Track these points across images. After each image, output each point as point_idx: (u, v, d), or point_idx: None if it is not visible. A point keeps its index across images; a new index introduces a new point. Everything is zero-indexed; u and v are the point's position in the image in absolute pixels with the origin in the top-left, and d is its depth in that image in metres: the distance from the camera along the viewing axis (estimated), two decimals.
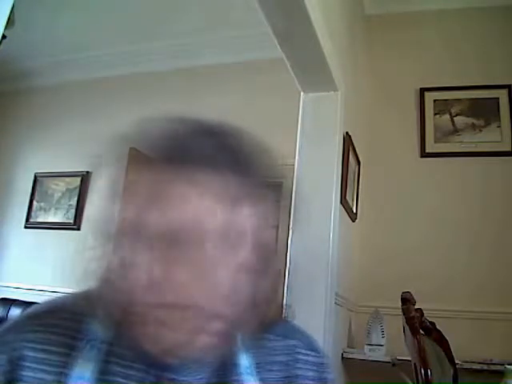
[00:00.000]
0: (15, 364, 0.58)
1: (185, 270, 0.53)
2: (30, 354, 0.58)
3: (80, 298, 0.60)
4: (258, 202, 0.57)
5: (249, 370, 0.62)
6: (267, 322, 0.64)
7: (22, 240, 3.78)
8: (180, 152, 0.55)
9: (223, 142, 0.57)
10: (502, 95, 2.73)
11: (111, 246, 0.56)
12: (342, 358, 2.30)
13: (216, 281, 0.53)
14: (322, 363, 0.70)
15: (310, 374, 0.67)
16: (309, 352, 0.69)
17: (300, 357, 0.68)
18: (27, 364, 0.58)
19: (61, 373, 0.57)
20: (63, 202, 3.77)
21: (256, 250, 0.56)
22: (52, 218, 3.78)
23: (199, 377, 0.61)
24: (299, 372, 0.67)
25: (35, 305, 0.65)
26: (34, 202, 3.87)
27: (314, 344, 0.71)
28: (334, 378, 0.71)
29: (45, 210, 3.82)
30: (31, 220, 3.84)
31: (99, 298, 0.56)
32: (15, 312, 3.14)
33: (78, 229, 3.53)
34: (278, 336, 0.68)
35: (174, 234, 0.53)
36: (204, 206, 0.53)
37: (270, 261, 0.60)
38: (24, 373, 0.58)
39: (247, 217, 0.55)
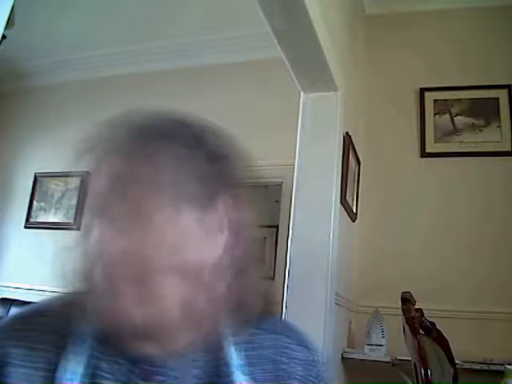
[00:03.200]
0: (1, 361, 0.59)
1: (166, 269, 0.55)
2: (16, 351, 0.59)
3: (68, 298, 0.61)
4: (233, 200, 0.59)
5: (239, 366, 0.62)
6: (256, 317, 0.64)
7: (22, 240, 3.78)
8: (152, 144, 0.58)
9: (198, 139, 0.60)
10: (502, 95, 2.72)
11: (99, 248, 0.58)
12: (342, 358, 2.30)
13: (196, 277, 0.55)
14: (314, 360, 0.69)
15: (301, 370, 0.67)
16: (301, 349, 0.68)
17: (293, 353, 0.67)
18: (14, 361, 0.59)
19: (48, 369, 0.58)
20: (63, 202, 3.77)
21: (234, 246, 0.58)
22: (52, 218, 3.78)
23: (189, 373, 0.61)
24: (291, 369, 0.66)
25: (24, 307, 0.67)
26: (34, 202, 3.87)
27: (307, 341, 0.71)
28: (328, 375, 0.71)
29: (45, 210, 3.82)
30: (31, 220, 3.84)
31: (86, 298, 0.57)
32: (15, 312, 3.14)
33: (78, 229, 3.50)
34: (270, 332, 0.68)
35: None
36: (179, 204, 0.56)
37: (250, 258, 0.61)
38: (11, 370, 0.58)
39: (222, 214, 0.58)
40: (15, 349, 0.59)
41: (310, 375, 0.67)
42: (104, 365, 0.58)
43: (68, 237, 0.60)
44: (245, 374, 0.61)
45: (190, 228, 0.57)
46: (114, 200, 0.57)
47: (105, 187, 0.58)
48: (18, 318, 0.64)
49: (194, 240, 0.57)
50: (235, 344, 0.63)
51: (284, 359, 0.66)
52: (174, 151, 0.58)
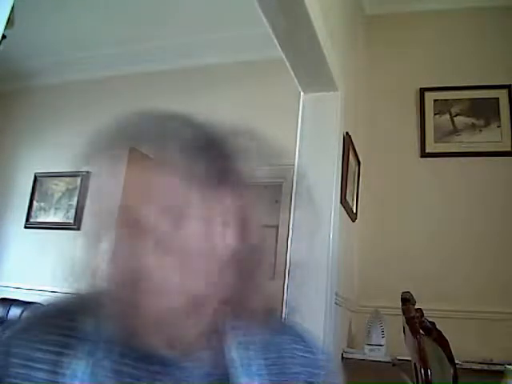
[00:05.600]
0: (5, 362, 0.59)
1: (174, 264, 0.55)
2: (21, 352, 0.59)
3: (76, 298, 0.62)
4: (240, 201, 0.59)
5: (243, 366, 0.62)
6: (261, 317, 0.64)
7: (22, 240, 3.78)
8: (165, 143, 0.58)
9: (203, 138, 0.60)
10: (502, 95, 2.73)
11: (107, 246, 0.57)
12: (342, 358, 2.30)
13: (203, 276, 0.56)
14: (319, 361, 0.69)
15: (305, 371, 0.66)
16: (306, 349, 0.68)
17: (297, 354, 0.67)
18: (18, 362, 0.59)
19: (52, 371, 0.58)
20: (63, 202, 3.77)
21: (240, 246, 0.58)
22: (52, 218, 3.78)
23: (193, 373, 0.61)
24: (295, 370, 0.66)
25: (31, 308, 0.67)
26: (34, 202, 3.87)
27: (312, 342, 0.71)
28: (333, 376, 0.71)
29: (45, 210, 3.82)
30: (31, 220, 3.84)
31: (96, 298, 0.57)
32: (15, 312, 3.14)
33: (78, 229, 3.52)
34: (274, 333, 0.67)
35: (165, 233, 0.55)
36: (190, 203, 0.56)
37: (255, 258, 0.61)
38: (15, 370, 0.58)
39: (229, 215, 0.58)
40: (19, 349, 0.59)
41: (315, 376, 0.67)
42: (108, 365, 0.58)
43: (77, 237, 0.60)
44: (249, 375, 0.61)
45: (197, 228, 0.57)
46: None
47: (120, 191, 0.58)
48: (24, 320, 0.65)
49: (200, 240, 0.57)
50: (239, 344, 0.63)
51: (288, 360, 0.66)
52: (180, 152, 0.58)
